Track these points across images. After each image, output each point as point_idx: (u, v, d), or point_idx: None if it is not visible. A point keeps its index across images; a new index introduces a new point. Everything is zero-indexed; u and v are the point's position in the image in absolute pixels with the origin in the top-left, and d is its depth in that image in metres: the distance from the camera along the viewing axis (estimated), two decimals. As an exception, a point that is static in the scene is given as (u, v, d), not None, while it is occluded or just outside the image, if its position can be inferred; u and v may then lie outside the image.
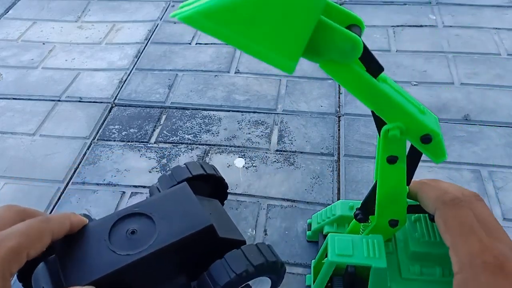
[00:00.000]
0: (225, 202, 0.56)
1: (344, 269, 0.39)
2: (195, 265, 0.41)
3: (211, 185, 0.50)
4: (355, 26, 0.32)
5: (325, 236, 0.48)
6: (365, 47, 0.30)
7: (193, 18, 0.25)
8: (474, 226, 0.32)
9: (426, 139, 0.34)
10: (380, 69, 0.33)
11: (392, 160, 0.36)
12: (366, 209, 0.40)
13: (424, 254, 0.39)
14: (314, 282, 0.43)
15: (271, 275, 0.41)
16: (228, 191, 0.57)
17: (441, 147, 0.34)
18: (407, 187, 0.38)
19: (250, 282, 0.40)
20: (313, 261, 0.45)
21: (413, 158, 0.36)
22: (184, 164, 0.48)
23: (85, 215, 0.44)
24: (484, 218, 0.33)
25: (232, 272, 0.38)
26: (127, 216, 0.39)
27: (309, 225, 0.52)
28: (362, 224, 0.42)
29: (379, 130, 0.35)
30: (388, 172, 0.36)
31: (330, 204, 0.55)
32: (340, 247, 0.38)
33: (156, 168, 0.61)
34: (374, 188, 0.38)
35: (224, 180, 0.50)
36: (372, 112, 0.34)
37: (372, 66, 0.32)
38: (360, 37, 0.30)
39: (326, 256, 0.39)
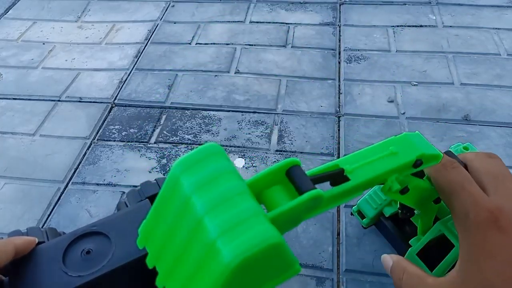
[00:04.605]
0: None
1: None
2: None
3: None
4: (293, 166, 0.30)
5: (389, 217, 0.48)
6: (319, 177, 0.31)
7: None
8: (464, 182, 0.32)
9: (417, 165, 0.34)
10: (342, 174, 0.32)
11: (404, 191, 0.36)
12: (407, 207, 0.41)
13: None
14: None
15: None
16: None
17: (431, 154, 0.34)
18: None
19: None
20: (411, 249, 0.43)
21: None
22: (155, 179, 0.47)
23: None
24: (486, 171, 0.32)
25: None
26: (84, 235, 0.39)
27: (358, 212, 0.50)
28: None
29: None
30: (404, 199, 0.37)
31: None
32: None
33: (156, 168, 0.61)
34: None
35: None
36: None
37: (337, 177, 0.32)
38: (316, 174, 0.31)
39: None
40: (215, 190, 0.25)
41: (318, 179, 0.31)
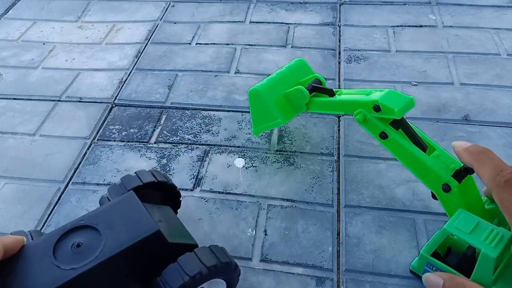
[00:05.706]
0: (224, 202, 0.56)
1: (463, 249, 0.39)
2: (149, 272, 0.40)
3: (163, 193, 0.49)
4: (315, 79, 0.55)
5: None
6: (315, 87, 0.53)
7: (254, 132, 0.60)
8: None
9: (375, 108, 0.45)
10: (331, 92, 0.52)
11: (383, 136, 0.46)
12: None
13: None
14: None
15: (225, 277, 0.42)
16: (228, 191, 0.57)
17: (387, 106, 0.44)
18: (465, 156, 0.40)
19: (205, 285, 0.40)
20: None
21: (404, 127, 0.46)
22: (135, 172, 0.48)
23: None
24: None
25: (185, 274, 0.38)
26: (73, 229, 0.39)
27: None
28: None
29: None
30: (391, 146, 0.46)
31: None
32: (462, 222, 0.38)
33: (156, 168, 0.61)
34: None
35: (176, 188, 0.49)
36: None
37: (326, 92, 0.53)
38: (319, 85, 0.54)
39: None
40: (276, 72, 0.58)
41: (317, 88, 0.54)
